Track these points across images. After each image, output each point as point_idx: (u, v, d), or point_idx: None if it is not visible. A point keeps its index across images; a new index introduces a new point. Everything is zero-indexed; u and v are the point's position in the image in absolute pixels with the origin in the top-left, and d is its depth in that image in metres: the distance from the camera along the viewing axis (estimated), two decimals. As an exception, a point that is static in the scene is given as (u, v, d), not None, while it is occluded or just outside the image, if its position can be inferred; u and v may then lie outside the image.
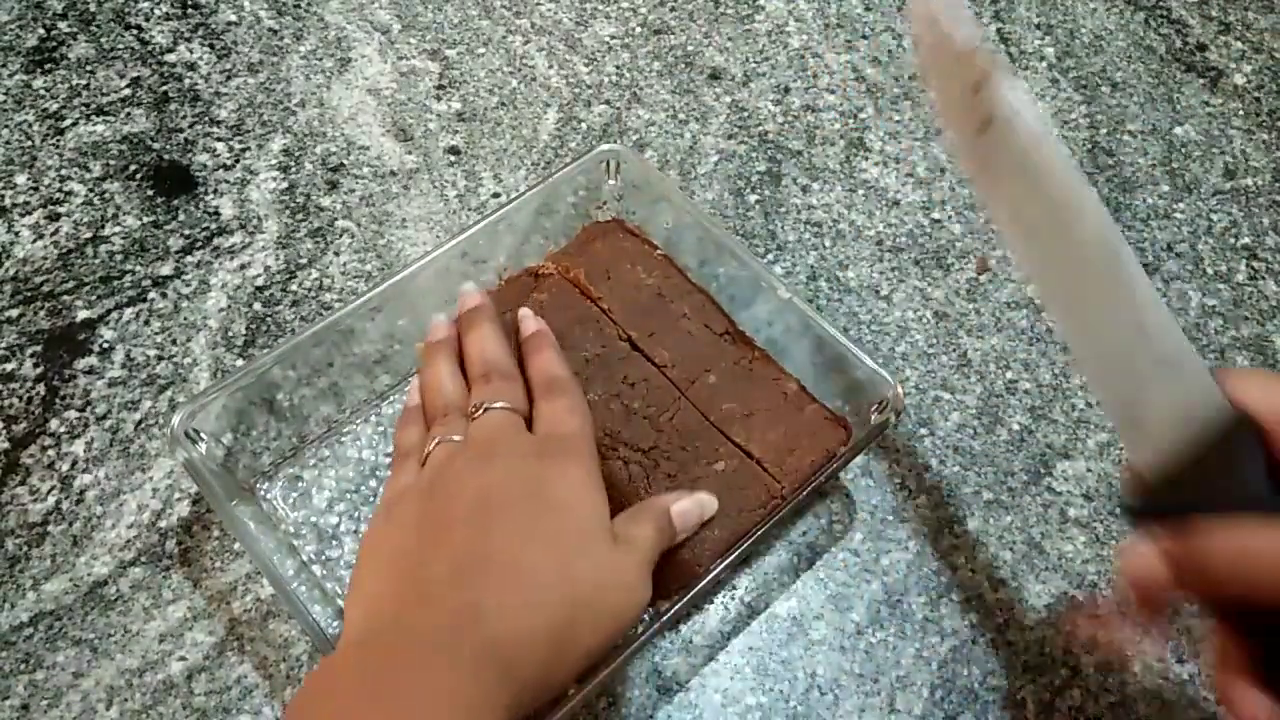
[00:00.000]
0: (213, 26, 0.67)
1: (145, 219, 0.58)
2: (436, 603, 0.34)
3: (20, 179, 0.59)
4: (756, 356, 0.50)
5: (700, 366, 0.49)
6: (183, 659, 0.45)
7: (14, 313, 0.54)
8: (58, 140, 0.61)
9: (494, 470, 0.38)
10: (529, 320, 0.47)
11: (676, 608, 0.42)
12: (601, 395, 0.47)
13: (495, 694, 0.32)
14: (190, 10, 0.68)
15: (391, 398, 0.51)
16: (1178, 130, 0.66)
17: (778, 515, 0.44)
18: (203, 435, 0.44)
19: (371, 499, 0.48)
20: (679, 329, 0.50)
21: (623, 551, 0.38)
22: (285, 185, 0.60)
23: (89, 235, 0.57)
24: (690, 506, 0.43)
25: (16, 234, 0.57)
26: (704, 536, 0.44)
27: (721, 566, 0.43)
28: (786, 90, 0.66)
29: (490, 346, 0.45)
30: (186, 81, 0.64)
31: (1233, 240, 0.61)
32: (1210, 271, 0.59)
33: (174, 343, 0.53)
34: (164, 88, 0.64)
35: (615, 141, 0.60)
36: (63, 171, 0.60)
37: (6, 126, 0.62)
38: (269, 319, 0.54)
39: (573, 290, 0.51)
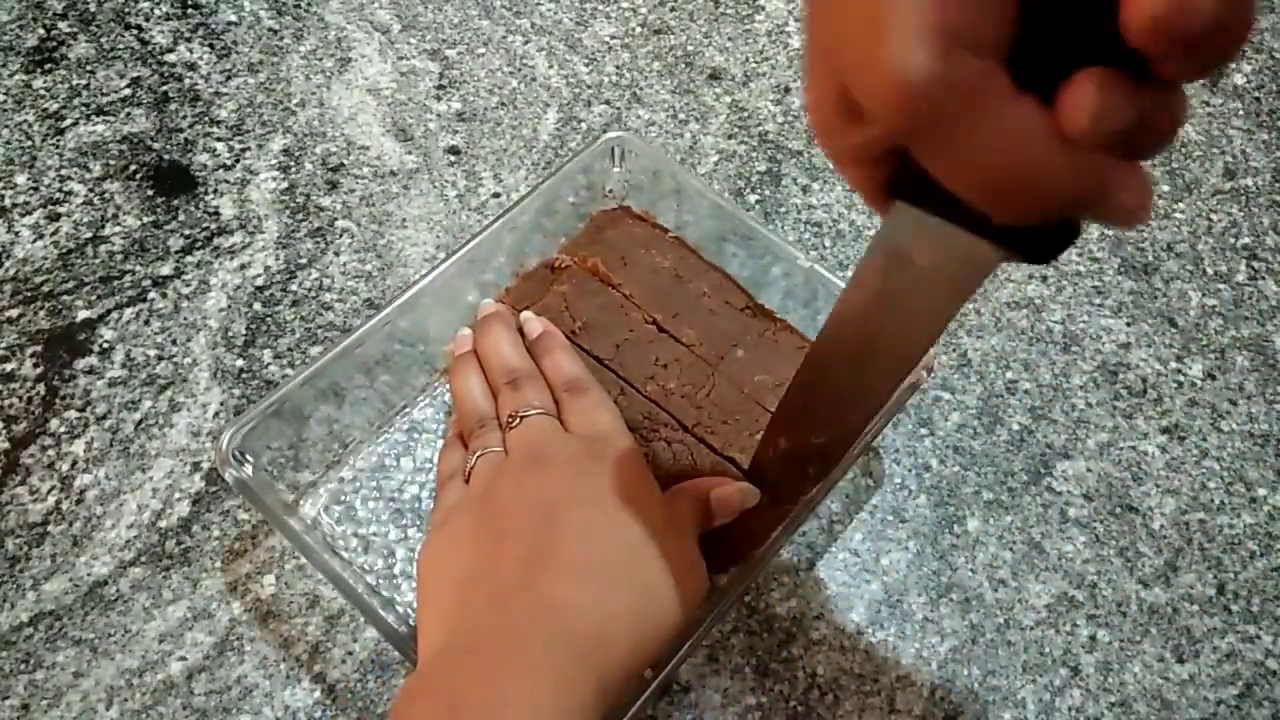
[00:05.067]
0: (213, 26, 0.67)
1: (145, 219, 0.58)
2: (509, 603, 0.35)
3: (20, 179, 0.59)
4: (780, 328, 0.51)
5: (727, 342, 0.50)
6: (183, 659, 0.45)
7: (14, 313, 0.54)
8: (58, 140, 0.61)
9: (549, 476, 0.39)
10: (533, 322, 0.48)
11: (744, 585, 0.42)
12: (637, 378, 0.48)
13: (579, 684, 0.32)
14: (190, 10, 0.68)
15: (421, 402, 0.52)
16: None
17: (825, 477, 0.44)
18: (247, 457, 0.44)
19: (414, 505, 0.49)
20: (701, 308, 0.51)
21: (678, 532, 0.39)
22: (285, 185, 0.60)
23: (89, 235, 0.57)
24: (730, 493, 0.43)
25: (16, 234, 0.57)
26: (755, 508, 0.44)
27: (778, 532, 0.43)
28: (786, 90, 0.66)
29: (506, 350, 0.45)
30: (186, 81, 0.64)
31: (1233, 240, 0.61)
32: (1210, 271, 0.59)
33: (174, 343, 0.53)
34: (164, 88, 0.64)
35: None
36: (63, 171, 0.60)
37: (6, 126, 0.62)
38: (269, 319, 0.54)
39: (593, 279, 0.51)
